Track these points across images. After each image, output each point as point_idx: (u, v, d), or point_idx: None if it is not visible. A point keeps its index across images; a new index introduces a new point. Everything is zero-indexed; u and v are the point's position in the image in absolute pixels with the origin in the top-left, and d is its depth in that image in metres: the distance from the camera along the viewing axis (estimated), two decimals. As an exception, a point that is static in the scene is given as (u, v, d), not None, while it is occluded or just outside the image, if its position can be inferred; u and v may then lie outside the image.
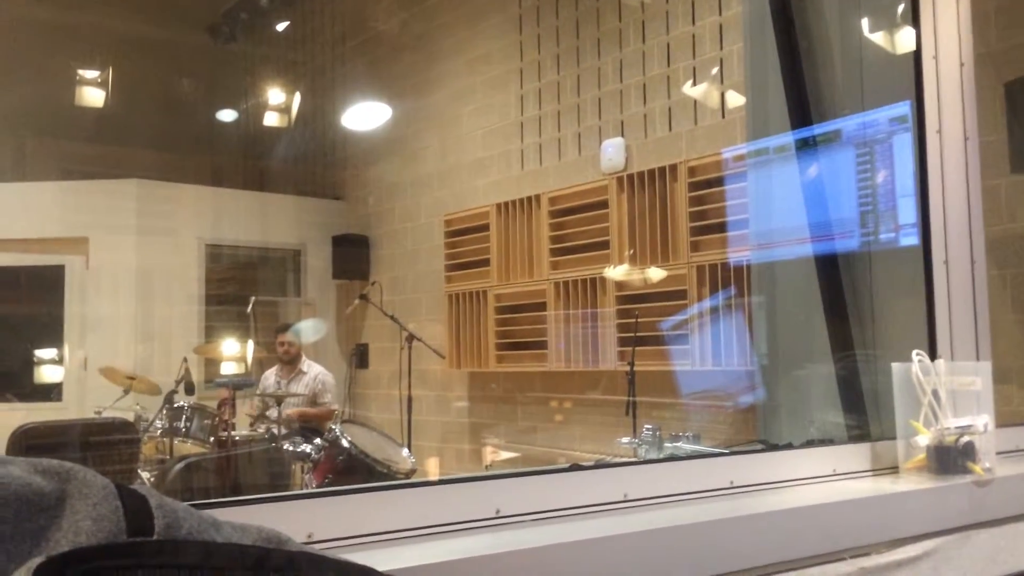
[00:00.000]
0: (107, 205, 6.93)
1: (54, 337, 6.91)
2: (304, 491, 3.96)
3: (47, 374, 6.95)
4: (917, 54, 1.66)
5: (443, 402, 6.77)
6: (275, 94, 7.28)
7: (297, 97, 7.33)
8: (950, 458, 1.43)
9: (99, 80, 6.36)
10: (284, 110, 7.29)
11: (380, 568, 0.77)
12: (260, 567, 0.68)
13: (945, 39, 1.67)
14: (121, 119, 6.67)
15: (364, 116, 7.13)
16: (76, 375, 6.72)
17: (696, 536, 1.10)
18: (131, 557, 0.62)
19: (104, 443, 3.91)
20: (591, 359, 5.50)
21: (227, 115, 7.54)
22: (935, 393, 1.46)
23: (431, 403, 6.72)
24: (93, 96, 6.39)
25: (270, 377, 5.82)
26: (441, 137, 7.03)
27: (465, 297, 6.51)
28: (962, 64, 1.68)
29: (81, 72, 6.37)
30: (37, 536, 0.63)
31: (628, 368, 4.84)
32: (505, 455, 5.98)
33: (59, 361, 6.90)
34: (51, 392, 6.86)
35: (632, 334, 5.03)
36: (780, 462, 1.37)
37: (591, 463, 1.27)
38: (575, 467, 1.21)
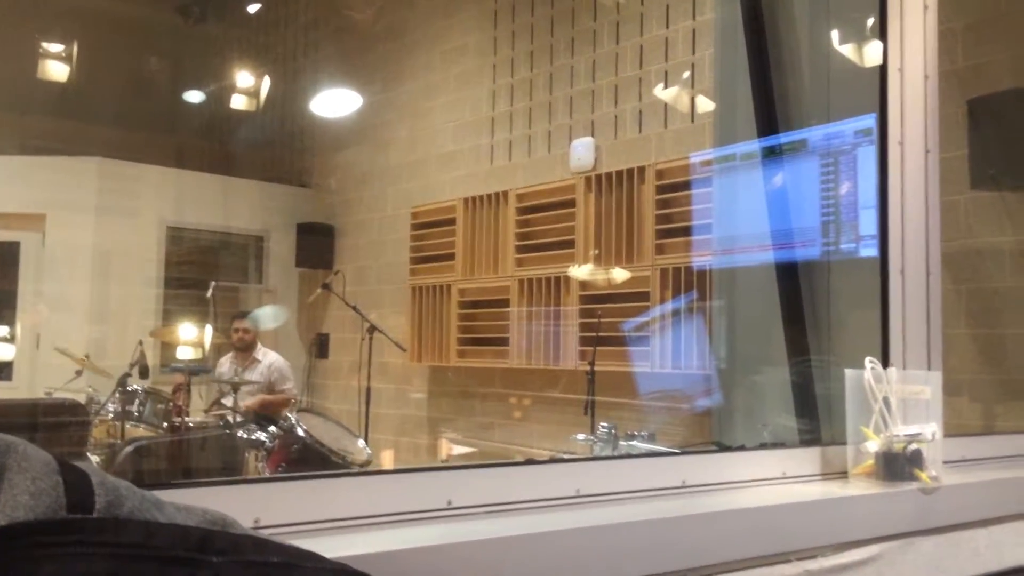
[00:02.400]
0: (67, 182, 6.80)
1: (6, 315, 6.76)
2: (253, 476, 3.93)
3: (-3, 352, 6.80)
4: (883, 66, 1.69)
5: (402, 395, 6.75)
6: (244, 77, 7.19)
7: (266, 81, 7.24)
8: (898, 465, 1.45)
9: (63, 54, 6.23)
10: (253, 94, 7.20)
11: (328, 555, 0.76)
12: (203, 548, 0.66)
13: (911, 52, 1.69)
14: (85, 95, 6.53)
15: (334, 104, 7.07)
16: (28, 354, 6.58)
17: (646, 533, 1.10)
18: (70, 534, 0.61)
19: (52, 424, 3.83)
20: (552, 357, 5.51)
21: (194, 96, 7.42)
22: (886, 400, 1.49)
23: (390, 396, 6.69)
24: (57, 70, 6.25)
25: (225, 364, 5.73)
26: (411, 128, 7.00)
27: (429, 291, 6.49)
28: (926, 77, 1.71)
29: (45, 45, 6.23)
30: (-28, 509, 0.61)
31: (588, 367, 4.86)
32: (461, 450, 5.97)
33: (10, 340, 6.75)
34: (1, 371, 6.71)
35: (594, 334, 5.06)
36: (732, 463, 1.38)
37: (545, 459, 1.27)
38: (528, 461, 1.21)
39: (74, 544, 0.61)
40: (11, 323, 6.74)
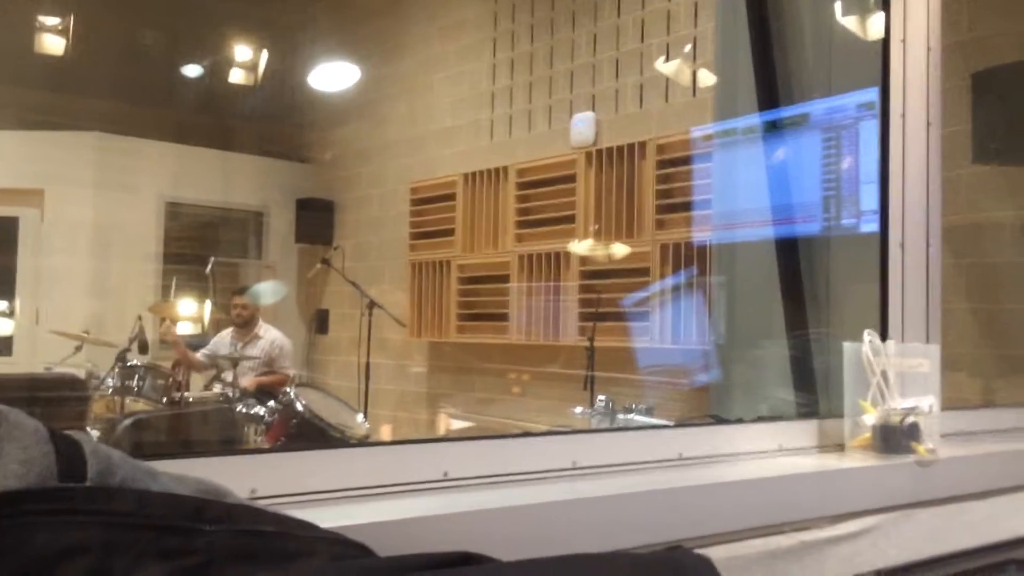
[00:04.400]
0: (65, 157, 6.76)
1: (5, 290, 6.76)
2: (249, 447, 3.94)
3: (-4, 327, 6.80)
4: (885, 37, 1.67)
5: (402, 370, 6.76)
6: (242, 51, 7.12)
7: (264, 55, 7.18)
8: (895, 438, 1.45)
9: (60, 27, 6.18)
10: (251, 68, 7.14)
11: (324, 525, 0.76)
12: (197, 518, 0.66)
13: (914, 23, 1.67)
14: (82, 69, 6.48)
15: (333, 78, 7.01)
16: (28, 329, 6.58)
17: (642, 504, 1.11)
18: (61, 502, 0.61)
19: (52, 399, 3.85)
20: (552, 333, 5.51)
21: (192, 70, 7.37)
22: (884, 374, 1.48)
23: (389, 371, 6.70)
24: (53, 44, 6.20)
25: (224, 339, 5.71)
26: (410, 103, 6.95)
27: (428, 266, 6.48)
28: (929, 49, 1.69)
29: (41, 18, 6.17)
30: (-37, 477, 0.61)
31: (588, 343, 4.86)
32: (460, 424, 5.99)
33: (9, 315, 6.76)
34: (0, 346, 6.72)
35: (593, 309, 5.05)
36: (728, 436, 1.38)
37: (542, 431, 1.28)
38: (525, 434, 1.21)
39: (66, 512, 0.60)
40: (10, 298, 6.74)
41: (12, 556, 0.57)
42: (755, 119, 2.23)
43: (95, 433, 4.25)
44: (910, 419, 1.46)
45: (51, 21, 6.19)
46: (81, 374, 4.71)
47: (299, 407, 4.13)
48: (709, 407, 2.40)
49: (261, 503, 0.89)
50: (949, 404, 1.69)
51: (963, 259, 3.38)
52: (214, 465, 0.94)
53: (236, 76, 7.10)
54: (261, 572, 0.67)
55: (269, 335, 5.67)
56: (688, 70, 4.90)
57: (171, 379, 4.88)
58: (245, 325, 5.63)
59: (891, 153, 1.63)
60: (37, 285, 6.77)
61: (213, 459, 0.95)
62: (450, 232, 6.32)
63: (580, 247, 5.30)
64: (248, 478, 0.94)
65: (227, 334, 5.73)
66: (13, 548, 0.57)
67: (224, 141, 7.56)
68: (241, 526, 0.69)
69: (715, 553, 1.12)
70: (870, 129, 1.89)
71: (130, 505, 0.63)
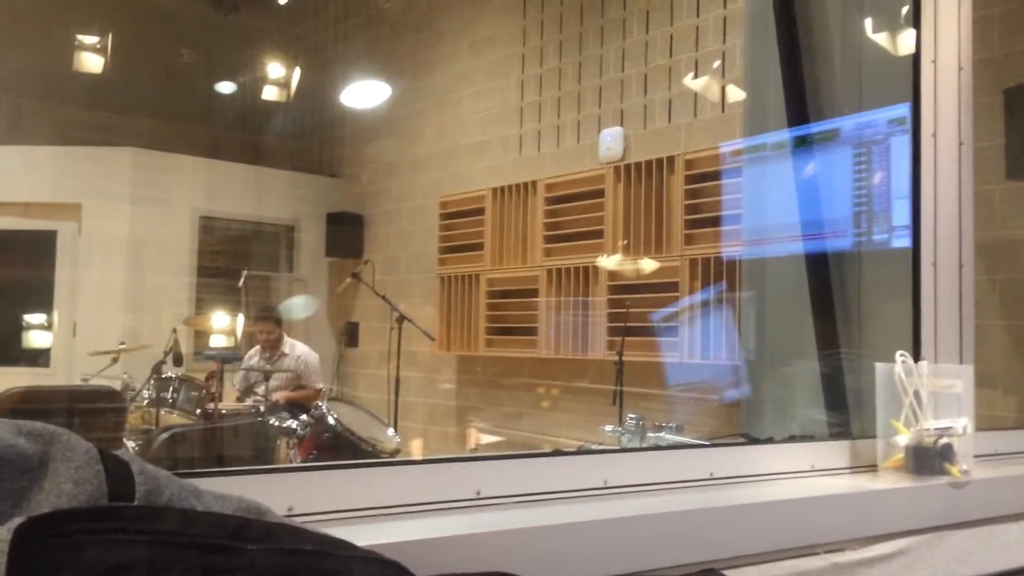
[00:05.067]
0: (102, 172, 6.90)
1: (44, 302, 6.89)
2: (286, 465, 3.98)
3: (35, 339, 6.93)
4: (916, 57, 1.67)
5: (431, 384, 6.78)
6: (275, 68, 7.23)
7: (297, 72, 7.29)
8: (928, 459, 1.44)
9: (98, 46, 6.32)
10: (283, 84, 7.25)
11: (359, 543, 0.78)
12: (239, 536, 0.68)
13: (945, 43, 1.67)
14: (119, 86, 6.62)
15: (363, 94, 7.10)
16: (64, 341, 6.70)
17: (673, 525, 1.11)
18: (111, 521, 0.63)
19: (90, 411, 3.91)
20: (580, 347, 5.51)
21: (226, 87, 7.50)
22: (916, 394, 1.48)
23: (419, 384, 6.73)
24: (92, 62, 6.34)
25: (254, 357, 5.72)
26: (440, 119, 7.01)
27: (457, 280, 6.51)
28: (960, 69, 1.68)
29: (81, 37, 6.31)
30: (19, 497, 0.63)
31: (617, 357, 4.85)
32: (489, 439, 6.00)
33: (48, 327, 6.88)
34: (39, 358, 6.84)
35: (622, 324, 5.05)
36: (760, 456, 1.38)
37: (573, 450, 1.28)
38: (556, 452, 1.22)
39: (115, 531, 0.62)
40: (48, 311, 6.87)
41: (64, 573, 0.59)
42: (785, 134, 2.23)
43: (131, 444, 4.32)
44: (943, 440, 1.45)
45: (90, 40, 6.33)
46: (117, 386, 4.79)
47: (331, 421, 4.17)
48: (739, 424, 2.39)
49: (298, 521, 0.91)
50: (983, 421, 1.67)
51: (997, 275, 3.34)
52: (253, 482, 0.96)
53: (269, 93, 7.21)
54: (301, 590, 0.69)
55: (295, 351, 5.67)
56: (717, 86, 4.90)
57: (205, 391, 4.94)
58: (272, 348, 5.64)
59: (923, 173, 1.63)
60: (74, 298, 6.89)
61: (252, 477, 0.97)
62: (479, 246, 6.35)
63: (609, 262, 5.31)
64: (285, 495, 0.96)
65: (255, 352, 5.74)
66: (65, 565, 0.59)
67: (257, 156, 7.68)
68: (281, 545, 0.71)
69: (746, 575, 1.12)
70: (901, 144, 1.88)
71: (176, 524, 0.66)
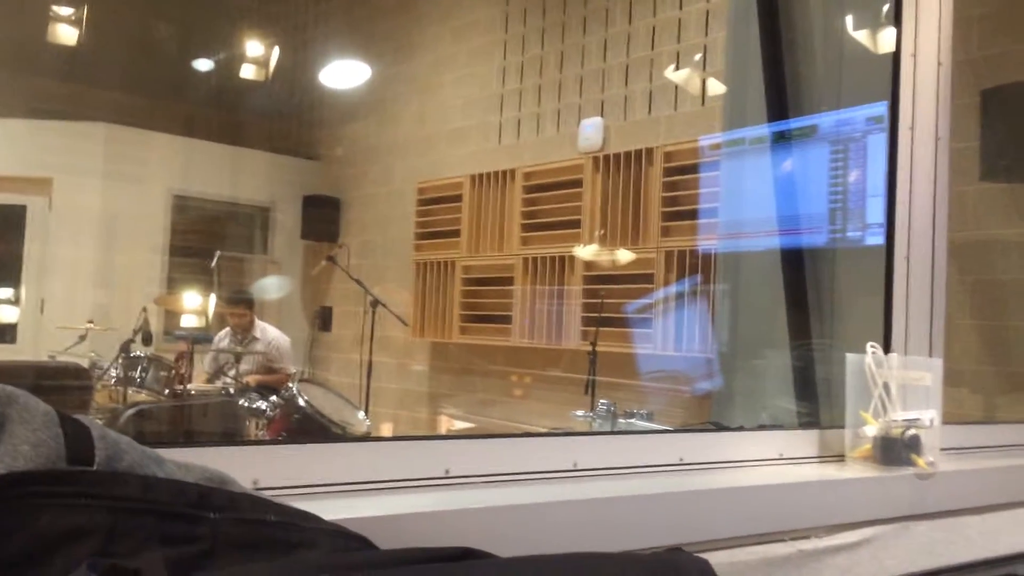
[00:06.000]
0: (74, 147, 6.79)
1: (12, 278, 6.78)
2: (252, 439, 3.95)
3: (2, 315, 6.82)
4: (896, 51, 1.67)
5: (404, 370, 6.77)
6: (253, 46, 7.14)
7: (276, 51, 7.20)
8: (895, 450, 1.46)
9: (73, 17, 6.20)
10: (262, 63, 7.16)
11: (326, 517, 0.77)
12: (201, 505, 0.67)
13: (925, 37, 1.68)
14: (93, 60, 6.51)
15: (343, 76, 7.04)
16: (32, 317, 6.60)
17: (642, 508, 1.11)
18: (68, 485, 0.61)
19: (55, 387, 3.85)
20: (554, 336, 5.52)
21: (203, 64, 7.39)
22: (886, 386, 1.49)
23: (392, 370, 6.71)
24: (66, 33, 6.23)
25: (224, 339, 5.68)
26: (420, 103, 6.97)
27: (433, 266, 6.49)
28: (939, 64, 1.69)
29: (55, 8, 6.20)
30: (-27, 457, 0.62)
31: (590, 347, 4.86)
32: (461, 425, 6.00)
33: (15, 303, 6.78)
34: (5, 334, 6.74)
35: (597, 314, 5.06)
36: (729, 443, 1.38)
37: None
38: (526, 434, 1.21)
39: (73, 496, 0.61)
40: (16, 286, 6.76)
41: (17, 536, 0.58)
42: (764, 129, 2.23)
43: (98, 422, 4.26)
44: (911, 432, 1.46)
45: (65, 11, 6.21)
46: (85, 364, 4.72)
47: (301, 402, 4.14)
48: (710, 415, 2.41)
49: (264, 494, 0.90)
50: (950, 419, 1.69)
51: (969, 276, 3.39)
52: (218, 455, 0.95)
53: (247, 71, 7.12)
54: (263, 560, 0.68)
55: (267, 336, 5.62)
56: (698, 79, 4.91)
57: (174, 371, 4.88)
58: (244, 331, 5.59)
59: (899, 166, 1.64)
60: (43, 274, 6.79)
61: (217, 449, 0.96)
62: (456, 233, 6.33)
63: (585, 252, 5.31)
64: (251, 469, 0.95)
65: (225, 333, 5.69)
66: (18, 528, 0.58)
67: (233, 136, 7.58)
68: (244, 515, 0.69)
69: (713, 559, 1.12)
70: (878, 143, 1.89)
71: (135, 490, 0.64)
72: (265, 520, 0.70)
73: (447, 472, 1.08)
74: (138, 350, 4.94)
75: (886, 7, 1.86)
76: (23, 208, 6.82)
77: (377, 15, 7.40)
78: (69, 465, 0.64)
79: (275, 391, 4.53)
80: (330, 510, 0.85)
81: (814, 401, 1.75)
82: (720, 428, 1.63)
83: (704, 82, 4.92)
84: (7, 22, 6.17)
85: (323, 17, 7.77)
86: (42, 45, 6.21)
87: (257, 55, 7.15)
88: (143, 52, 6.98)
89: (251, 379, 5.24)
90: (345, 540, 0.75)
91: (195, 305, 6.13)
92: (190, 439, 4.34)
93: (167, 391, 4.78)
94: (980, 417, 3.11)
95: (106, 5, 6.50)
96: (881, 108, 1.85)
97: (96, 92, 6.76)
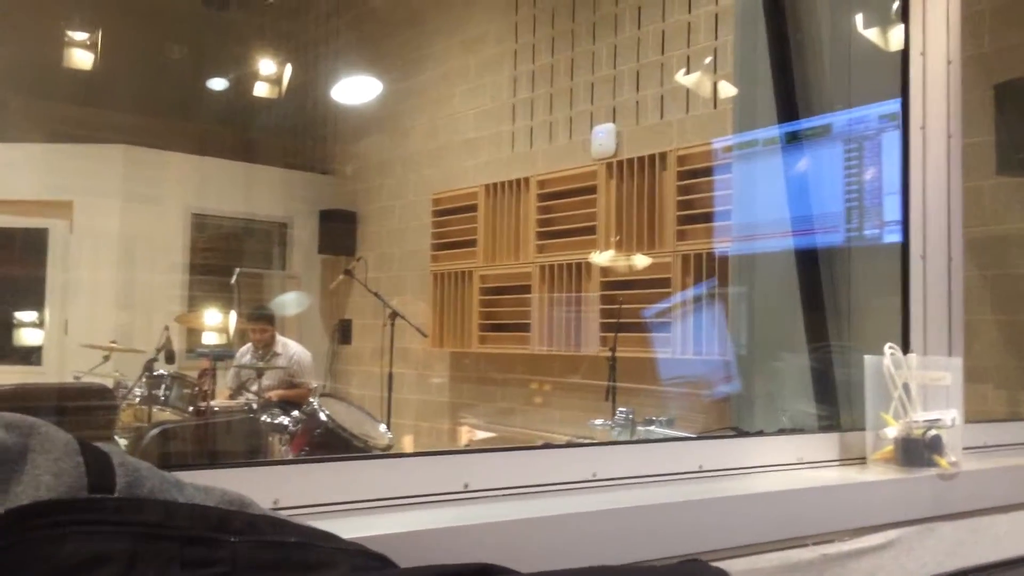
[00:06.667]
0: (93, 169, 6.87)
1: (36, 300, 6.86)
2: (272, 459, 3.97)
3: (27, 337, 6.90)
4: (905, 50, 1.67)
5: (424, 381, 6.78)
6: (266, 64, 7.20)
7: (288, 68, 7.26)
8: (917, 451, 1.44)
9: (88, 42, 6.28)
10: (275, 81, 7.22)
11: (345, 536, 0.78)
12: (221, 528, 0.68)
13: (933, 36, 1.67)
14: (109, 83, 6.59)
15: (355, 91, 7.08)
16: (56, 339, 6.68)
17: (662, 516, 1.11)
18: (91, 512, 0.63)
19: (81, 408, 3.89)
20: (573, 343, 5.51)
21: (217, 83, 7.46)
22: (906, 387, 1.48)
23: (412, 381, 6.73)
24: (82, 58, 6.30)
25: (246, 355, 5.72)
26: (432, 115, 7.00)
27: (450, 277, 6.50)
28: (949, 62, 1.68)
29: (70, 33, 6.28)
30: (-3, 488, 0.63)
31: (609, 353, 4.85)
32: (482, 435, 6.00)
33: (40, 325, 6.86)
34: (30, 355, 6.82)
35: (615, 320, 5.05)
36: (749, 448, 1.38)
37: (562, 443, 1.28)
38: (545, 445, 1.22)
39: (95, 523, 0.62)
40: (40, 309, 6.84)
41: (42, 565, 0.59)
42: (775, 130, 2.23)
43: (123, 442, 4.31)
44: (932, 432, 1.45)
45: (80, 36, 6.29)
46: (109, 383, 4.77)
47: (323, 417, 4.16)
48: (730, 419, 2.40)
49: (284, 514, 0.90)
50: (974, 416, 1.67)
51: (988, 271, 3.35)
52: (238, 476, 0.96)
53: (260, 89, 7.18)
54: (283, 582, 0.68)
55: (288, 351, 5.67)
56: (708, 82, 4.90)
57: (197, 388, 4.92)
58: (265, 347, 5.64)
59: (912, 165, 1.63)
60: (66, 296, 6.86)
61: (236, 470, 0.97)
62: (472, 243, 6.34)
63: (601, 258, 5.30)
64: (271, 489, 0.95)
65: (247, 349, 5.74)
66: (43, 557, 0.59)
67: (248, 153, 7.65)
68: (264, 537, 0.70)
69: (735, 566, 1.12)
70: (893, 140, 1.88)
71: (157, 516, 0.65)
72: (285, 542, 0.71)
73: (466, 486, 1.09)
74: (161, 368, 4.99)
75: (895, 4, 1.85)
76: (45, 231, 6.91)
77: (386, 30, 7.44)
78: (91, 493, 0.65)
79: (297, 406, 4.56)
80: (349, 528, 0.85)
81: (833, 404, 1.74)
82: (739, 433, 1.62)
83: (715, 85, 4.91)
84: (25, 49, 6.26)
85: (333, 34, 7.83)
86: (59, 70, 6.29)
87: (270, 73, 7.20)
88: (158, 74, 7.05)
89: (273, 394, 5.28)
90: (364, 559, 0.75)
91: (216, 322, 6.17)
92: (214, 458, 4.37)
93: (191, 408, 4.82)
94: (1005, 413, 3.08)
95: (120, 29, 6.58)
96: (894, 105, 1.84)
97: (113, 114, 6.83)
